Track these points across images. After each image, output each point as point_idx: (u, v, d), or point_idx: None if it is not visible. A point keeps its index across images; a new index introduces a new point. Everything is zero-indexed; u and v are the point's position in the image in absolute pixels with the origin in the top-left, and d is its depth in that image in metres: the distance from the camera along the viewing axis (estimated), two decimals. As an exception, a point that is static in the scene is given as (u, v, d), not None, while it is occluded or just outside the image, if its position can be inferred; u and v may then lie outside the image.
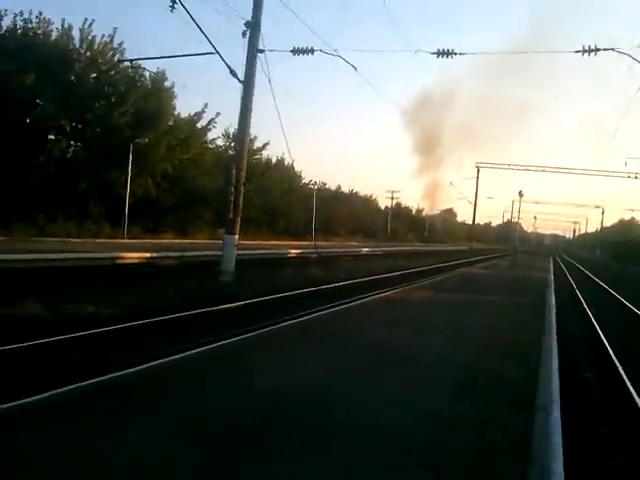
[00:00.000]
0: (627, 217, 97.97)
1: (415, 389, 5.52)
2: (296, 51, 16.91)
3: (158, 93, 31.04)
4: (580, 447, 5.32)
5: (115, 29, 29.33)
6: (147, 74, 30.84)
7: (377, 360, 6.61)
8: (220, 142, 40.37)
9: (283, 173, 47.32)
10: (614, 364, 9.09)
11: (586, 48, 16.50)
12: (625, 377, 8.07)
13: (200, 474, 3.41)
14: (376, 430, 4.25)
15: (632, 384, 7.63)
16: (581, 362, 9.77)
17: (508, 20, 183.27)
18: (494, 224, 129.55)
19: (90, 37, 28.48)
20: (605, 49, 16.59)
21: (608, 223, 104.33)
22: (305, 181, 53.66)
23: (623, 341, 11.55)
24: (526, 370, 6.61)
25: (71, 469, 3.33)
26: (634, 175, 49.30)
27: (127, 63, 28.59)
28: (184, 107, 55.78)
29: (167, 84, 31.77)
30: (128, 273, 15.14)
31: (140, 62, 27.32)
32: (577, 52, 16.60)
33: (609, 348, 10.28)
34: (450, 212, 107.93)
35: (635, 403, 6.85)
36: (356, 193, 71.76)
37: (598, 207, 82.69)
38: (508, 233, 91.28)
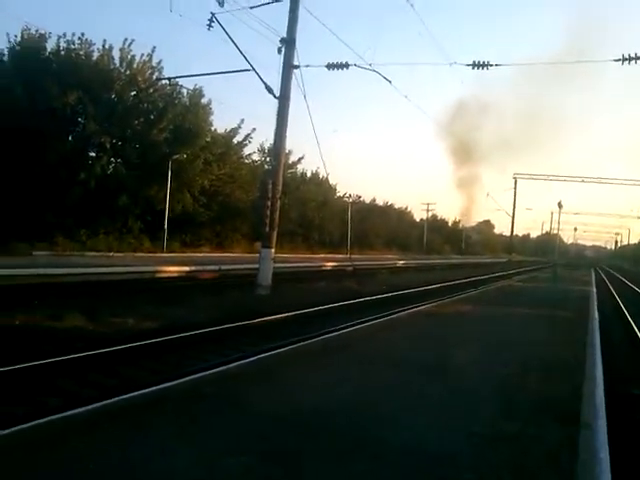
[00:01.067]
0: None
1: (457, 405, 5.45)
2: (331, 66, 17.01)
3: (195, 110, 31.69)
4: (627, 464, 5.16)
5: (154, 48, 30.16)
6: (185, 91, 31.54)
7: (418, 376, 6.53)
8: (256, 157, 41.03)
9: (318, 186, 47.58)
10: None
11: (625, 56, 16.18)
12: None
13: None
14: (418, 447, 4.21)
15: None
16: (627, 376, 9.48)
17: (546, 29, 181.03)
18: (533, 235, 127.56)
19: (129, 56, 29.34)
20: (645, 57, 16.22)
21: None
22: (340, 194, 53.85)
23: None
24: (570, 385, 6.45)
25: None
26: (679, 184, 48.04)
27: (165, 81, 29.35)
28: (221, 123, 56.91)
29: (204, 101, 32.43)
30: (167, 286, 15.39)
31: (178, 80, 28.02)
32: (617, 60, 16.26)
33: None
34: (488, 224, 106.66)
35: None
36: (391, 205, 71.57)
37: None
38: (547, 245, 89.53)
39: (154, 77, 30.17)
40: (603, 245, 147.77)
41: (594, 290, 25.82)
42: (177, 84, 30.16)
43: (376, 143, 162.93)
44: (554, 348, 9.10)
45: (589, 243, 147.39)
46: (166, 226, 28.64)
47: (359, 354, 7.59)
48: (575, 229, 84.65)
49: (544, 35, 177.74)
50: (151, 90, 30.27)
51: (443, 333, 9.90)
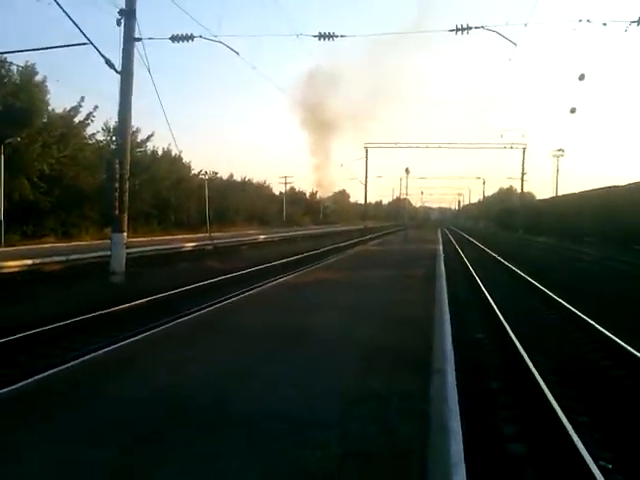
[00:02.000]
0: (506, 186, 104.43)
1: (318, 366, 5.60)
2: (175, 38, 16.38)
3: (28, 88, 28.94)
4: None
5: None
6: (15, 68, 28.65)
7: (281, 345, 6.61)
8: (100, 137, 38.42)
9: (171, 164, 45.89)
10: (501, 322, 9.82)
11: (459, 27, 17.27)
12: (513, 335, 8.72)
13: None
14: (287, 414, 4.27)
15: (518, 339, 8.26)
16: (469, 319, 10.38)
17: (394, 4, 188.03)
18: (385, 202, 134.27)
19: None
20: (476, 27, 17.42)
21: (489, 192, 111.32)
22: (195, 172, 52.41)
23: (506, 293, 12.46)
24: (422, 338, 6.89)
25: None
26: (509, 146, 53.67)
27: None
28: (62, 102, 52.78)
29: (38, 78, 29.73)
30: (8, 283, 14.12)
31: (5, 56, 25.43)
32: (451, 31, 17.29)
33: (494, 306, 11.07)
34: (343, 194, 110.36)
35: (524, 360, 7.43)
36: (249, 181, 71.29)
37: (479, 178, 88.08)
38: (398, 210, 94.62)
39: (-25, 53, 27.05)
40: (448, 206, 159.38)
41: (440, 247, 28.01)
42: (5, 60, 27.38)
43: (231, 118, 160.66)
44: (407, 305, 9.67)
45: (435, 205, 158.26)
46: (2, 218, 26.10)
47: (221, 332, 7.50)
48: (422, 193, 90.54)
49: (391, 9, 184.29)
50: (-27, 67, 27.14)
51: (306, 302, 10.06)
